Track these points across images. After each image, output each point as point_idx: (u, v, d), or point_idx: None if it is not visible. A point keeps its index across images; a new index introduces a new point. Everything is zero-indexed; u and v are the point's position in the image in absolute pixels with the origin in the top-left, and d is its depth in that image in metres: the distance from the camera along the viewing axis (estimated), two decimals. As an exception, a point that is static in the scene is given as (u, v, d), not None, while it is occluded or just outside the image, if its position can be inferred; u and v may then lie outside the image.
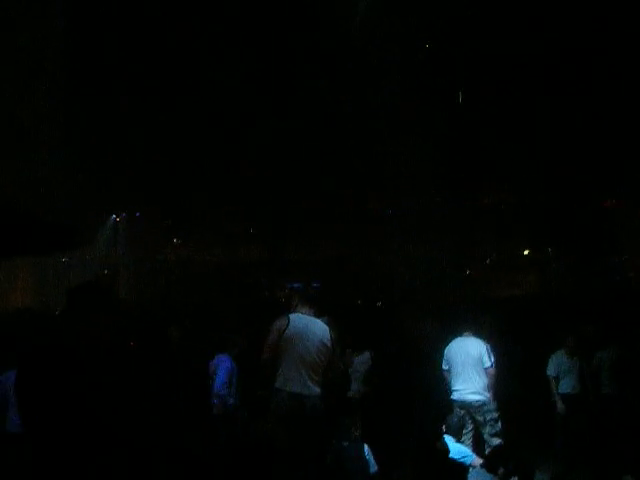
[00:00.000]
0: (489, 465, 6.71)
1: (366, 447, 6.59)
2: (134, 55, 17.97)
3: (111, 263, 24.05)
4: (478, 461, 6.74)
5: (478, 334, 8.21)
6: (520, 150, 22.54)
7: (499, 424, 7.83)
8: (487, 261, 30.49)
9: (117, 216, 24.84)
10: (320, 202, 25.02)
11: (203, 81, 19.17)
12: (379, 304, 18.03)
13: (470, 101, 21.37)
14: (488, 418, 7.77)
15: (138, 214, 24.59)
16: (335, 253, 28.43)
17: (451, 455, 6.49)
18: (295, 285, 29.01)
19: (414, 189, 26.03)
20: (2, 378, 5.97)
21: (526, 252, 30.10)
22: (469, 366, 7.92)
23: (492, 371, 7.84)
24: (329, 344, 6.32)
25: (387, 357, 8.44)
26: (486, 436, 7.85)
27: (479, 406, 7.85)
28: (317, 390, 6.16)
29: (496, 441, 7.70)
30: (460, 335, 8.26)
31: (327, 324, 6.51)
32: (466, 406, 7.93)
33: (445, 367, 8.17)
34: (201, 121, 20.10)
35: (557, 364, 9.06)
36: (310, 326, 6.33)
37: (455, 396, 8.00)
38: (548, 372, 9.09)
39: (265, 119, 20.45)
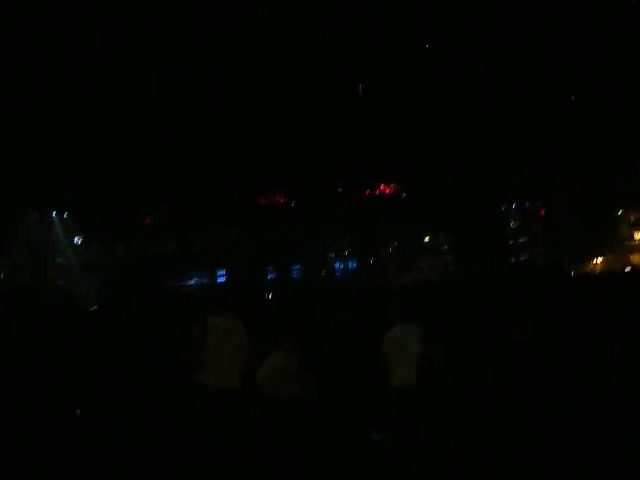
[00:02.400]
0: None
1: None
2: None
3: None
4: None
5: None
6: (419, 136, 22.99)
7: None
8: (389, 249, 31.00)
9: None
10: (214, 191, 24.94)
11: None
12: (286, 296, 18.01)
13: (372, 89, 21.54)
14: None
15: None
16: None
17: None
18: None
19: (314, 179, 26.28)
20: None
21: (426, 239, 30.78)
22: (412, 353, 7.85)
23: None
24: (244, 339, 6.46)
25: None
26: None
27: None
28: (236, 385, 6.29)
29: None
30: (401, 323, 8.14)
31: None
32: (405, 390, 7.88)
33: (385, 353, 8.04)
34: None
35: None
36: (227, 325, 6.46)
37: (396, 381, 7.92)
38: None
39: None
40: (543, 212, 28.27)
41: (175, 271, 28.06)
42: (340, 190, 28.28)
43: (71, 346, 7.98)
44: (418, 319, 8.16)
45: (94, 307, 18.26)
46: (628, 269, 22.58)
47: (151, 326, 9.00)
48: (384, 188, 28.82)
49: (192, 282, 28.55)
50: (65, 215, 24.67)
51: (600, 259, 26.59)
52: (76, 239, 25.57)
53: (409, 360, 7.66)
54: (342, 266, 31.70)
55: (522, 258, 28.46)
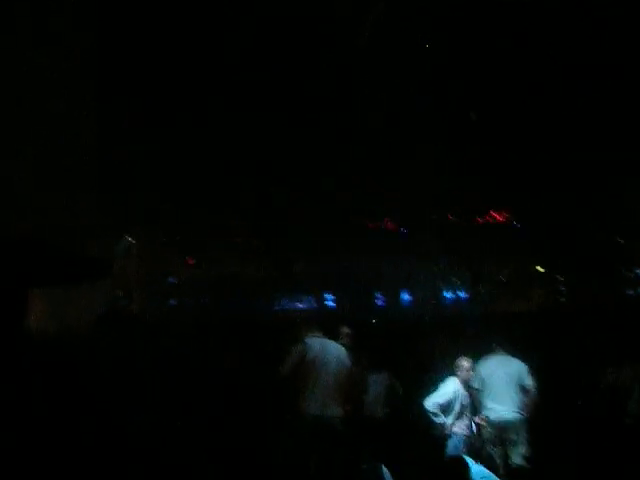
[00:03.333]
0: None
1: (385, 469, 6.59)
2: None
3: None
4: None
5: (511, 352, 8.04)
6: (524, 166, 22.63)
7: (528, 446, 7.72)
8: (500, 277, 30.44)
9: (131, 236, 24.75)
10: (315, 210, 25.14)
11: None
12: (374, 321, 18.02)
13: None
14: (523, 437, 7.63)
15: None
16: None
17: (472, 476, 6.48)
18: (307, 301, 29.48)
19: (419, 204, 26.20)
20: None
21: (538, 267, 30.05)
22: (507, 384, 7.75)
23: (533, 391, 7.64)
24: (347, 364, 6.42)
25: (403, 377, 8.42)
26: (515, 457, 7.72)
27: (517, 424, 7.67)
28: (338, 411, 6.23)
29: (522, 462, 7.66)
30: (493, 353, 8.08)
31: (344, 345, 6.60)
32: (502, 425, 7.74)
33: (477, 386, 7.99)
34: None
35: None
36: (329, 350, 6.43)
37: (491, 415, 7.80)
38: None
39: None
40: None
41: (280, 295, 28.53)
42: (451, 217, 28.09)
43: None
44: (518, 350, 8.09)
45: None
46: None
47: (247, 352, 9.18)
48: (495, 215, 28.43)
49: (299, 306, 28.96)
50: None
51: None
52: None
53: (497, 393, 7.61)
54: (453, 295, 31.40)
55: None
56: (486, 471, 6.86)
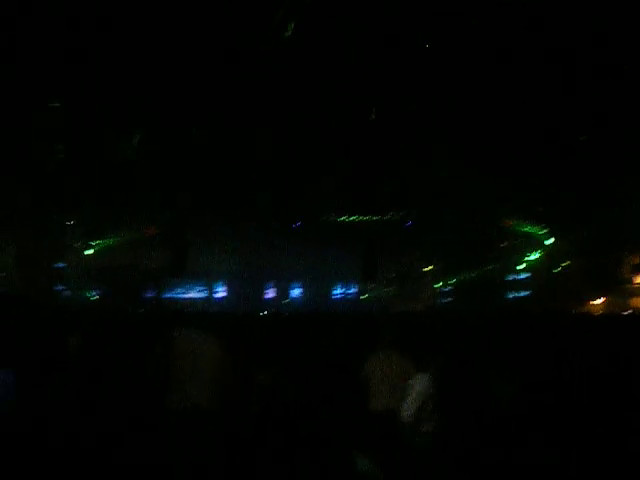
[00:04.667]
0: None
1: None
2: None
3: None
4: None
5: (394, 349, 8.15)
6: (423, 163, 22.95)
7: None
8: (392, 275, 30.97)
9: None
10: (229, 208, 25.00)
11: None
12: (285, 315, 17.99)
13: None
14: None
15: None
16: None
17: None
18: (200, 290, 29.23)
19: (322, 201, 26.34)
20: None
21: (428, 268, 30.76)
22: (393, 380, 7.88)
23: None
24: (215, 356, 6.32)
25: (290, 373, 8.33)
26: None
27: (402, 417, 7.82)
28: (205, 406, 6.13)
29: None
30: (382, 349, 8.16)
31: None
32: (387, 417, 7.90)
33: (365, 379, 8.10)
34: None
35: None
36: (194, 341, 6.32)
37: (377, 407, 7.93)
38: None
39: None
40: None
41: (173, 283, 28.21)
42: (343, 213, 28.31)
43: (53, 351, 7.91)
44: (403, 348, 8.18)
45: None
46: (629, 312, 22.43)
47: (129, 339, 8.90)
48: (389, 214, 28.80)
49: (190, 295, 28.70)
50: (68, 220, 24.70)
51: (601, 300, 26.47)
52: (77, 244, 25.64)
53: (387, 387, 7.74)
54: (341, 290, 31.76)
55: (522, 294, 28.41)
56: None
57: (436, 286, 31.03)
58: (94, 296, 26.16)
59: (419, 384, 7.20)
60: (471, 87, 18.53)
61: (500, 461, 6.99)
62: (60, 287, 24.72)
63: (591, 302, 26.27)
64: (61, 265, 24.74)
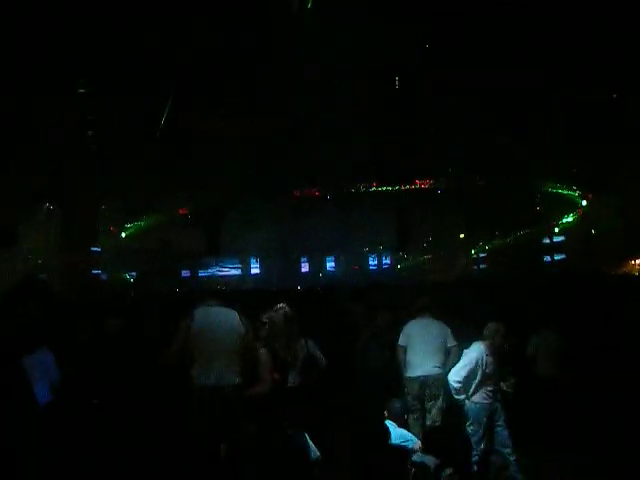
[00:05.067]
0: (427, 444, 6.71)
1: (306, 435, 6.54)
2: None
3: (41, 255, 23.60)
4: (420, 445, 6.74)
5: (436, 317, 8.24)
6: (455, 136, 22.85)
7: (444, 403, 7.90)
8: (424, 245, 30.88)
9: (50, 204, 24.16)
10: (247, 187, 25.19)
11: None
12: (318, 289, 17.99)
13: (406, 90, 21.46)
14: (442, 392, 7.81)
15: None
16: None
17: (393, 439, 6.48)
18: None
19: (349, 173, 26.34)
20: None
21: (461, 235, 30.56)
22: (432, 344, 7.98)
23: (455, 350, 7.87)
24: (241, 331, 6.28)
25: (326, 343, 8.34)
26: (434, 411, 7.90)
27: (437, 379, 7.86)
28: (235, 380, 6.12)
29: (438, 417, 7.82)
30: (420, 315, 8.25)
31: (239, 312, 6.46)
32: (426, 379, 7.92)
33: (403, 344, 8.14)
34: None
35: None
36: (218, 316, 6.30)
37: (417, 371, 7.98)
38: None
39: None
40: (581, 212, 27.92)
41: (208, 262, 28.47)
42: (376, 185, 28.30)
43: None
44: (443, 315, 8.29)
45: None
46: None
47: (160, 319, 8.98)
48: (419, 183, 28.71)
49: (226, 273, 28.92)
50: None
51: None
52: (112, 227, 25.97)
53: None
54: (376, 261, 31.72)
55: (558, 257, 28.17)
56: (407, 434, 6.89)
57: (471, 253, 30.89)
58: (131, 278, 26.49)
59: (472, 352, 7.22)
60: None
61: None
62: (97, 271, 25.04)
63: (630, 262, 25.94)
64: (97, 249, 25.04)
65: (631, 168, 23.19)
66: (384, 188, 27.89)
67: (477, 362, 7.15)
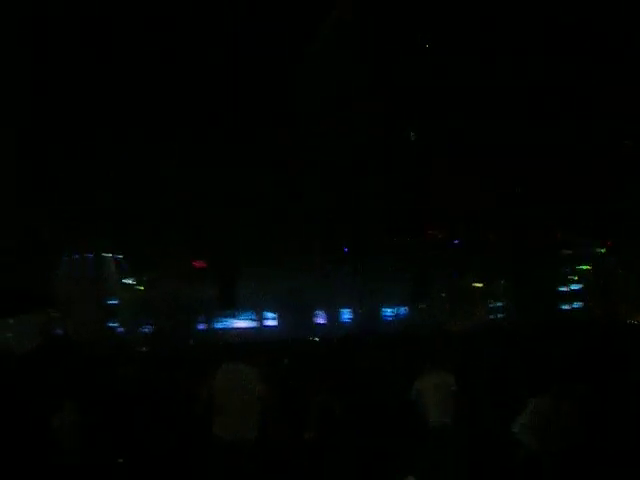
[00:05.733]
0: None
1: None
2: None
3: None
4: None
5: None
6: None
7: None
8: (442, 294, 30.63)
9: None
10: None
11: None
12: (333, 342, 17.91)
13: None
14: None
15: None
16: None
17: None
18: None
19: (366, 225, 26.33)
20: None
21: (479, 285, 30.34)
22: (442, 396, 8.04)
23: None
24: (256, 390, 6.39)
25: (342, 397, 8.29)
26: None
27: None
28: (249, 436, 6.16)
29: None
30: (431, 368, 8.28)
31: None
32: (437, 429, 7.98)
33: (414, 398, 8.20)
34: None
35: None
36: (236, 375, 6.37)
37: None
38: None
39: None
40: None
41: (222, 314, 28.36)
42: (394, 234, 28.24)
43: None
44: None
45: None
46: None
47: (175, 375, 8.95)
48: (436, 233, 28.63)
49: (240, 325, 28.76)
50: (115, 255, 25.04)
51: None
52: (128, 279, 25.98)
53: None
54: (394, 311, 31.48)
55: (575, 305, 27.87)
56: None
57: (488, 303, 30.60)
58: (146, 330, 26.42)
59: (536, 406, 7.07)
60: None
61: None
62: (113, 323, 25.01)
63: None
64: (114, 301, 25.05)
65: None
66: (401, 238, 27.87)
67: None
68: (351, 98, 20.43)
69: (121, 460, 6.91)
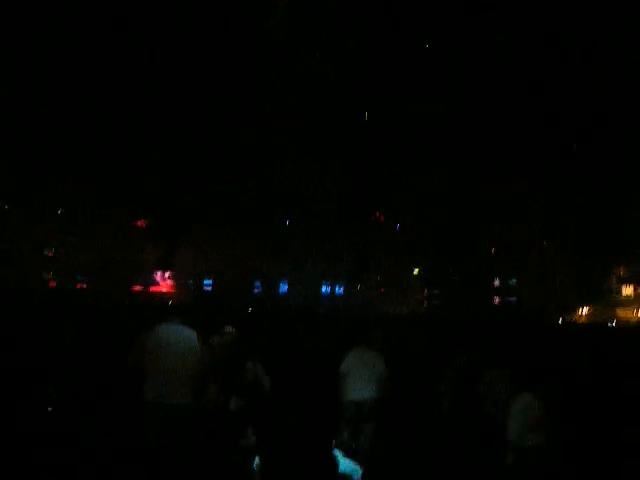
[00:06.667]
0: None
1: (257, 459, 6.46)
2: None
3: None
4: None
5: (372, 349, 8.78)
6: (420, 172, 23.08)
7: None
8: (377, 277, 30.97)
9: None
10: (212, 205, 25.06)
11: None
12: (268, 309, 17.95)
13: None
14: (373, 413, 8.43)
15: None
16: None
17: (341, 469, 6.42)
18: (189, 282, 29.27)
19: (314, 203, 26.37)
20: None
21: (415, 271, 30.79)
22: (366, 372, 8.57)
23: (384, 375, 8.54)
24: (196, 351, 6.22)
25: (275, 369, 8.37)
26: (367, 433, 8.35)
27: (371, 402, 8.48)
28: (185, 399, 6.05)
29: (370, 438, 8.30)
30: (358, 346, 8.75)
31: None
32: (361, 402, 8.48)
33: (344, 371, 8.66)
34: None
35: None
36: (175, 335, 6.22)
37: (353, 395, 8.55)
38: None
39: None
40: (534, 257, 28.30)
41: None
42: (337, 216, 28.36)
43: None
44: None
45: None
46: (612, 323, 22.56)
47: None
48: (379, 216, 28.86)
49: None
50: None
51: (586, 310, 26.60)
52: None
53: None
54: (329, 289, 31.79)
55: (510, 300, 28.54)
56: (353, 464, 6.83)
57: (423, 290, 31.11)
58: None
59: (520, 403, 7.20)
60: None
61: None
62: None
63: (577, 312, 26.40)
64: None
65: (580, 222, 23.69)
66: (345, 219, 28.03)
67: None
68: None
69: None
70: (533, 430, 6.97)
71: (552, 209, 24.37)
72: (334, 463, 6.41)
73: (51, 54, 18.38)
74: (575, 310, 26.34)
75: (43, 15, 17.23)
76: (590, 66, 18.68)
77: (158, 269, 28.17)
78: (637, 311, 25.88)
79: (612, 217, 23.46)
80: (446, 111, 20.05)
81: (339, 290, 31.62)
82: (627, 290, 26.67)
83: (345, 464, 6.69)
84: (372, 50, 19.04)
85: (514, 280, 28.81)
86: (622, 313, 25.62)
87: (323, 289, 31.67)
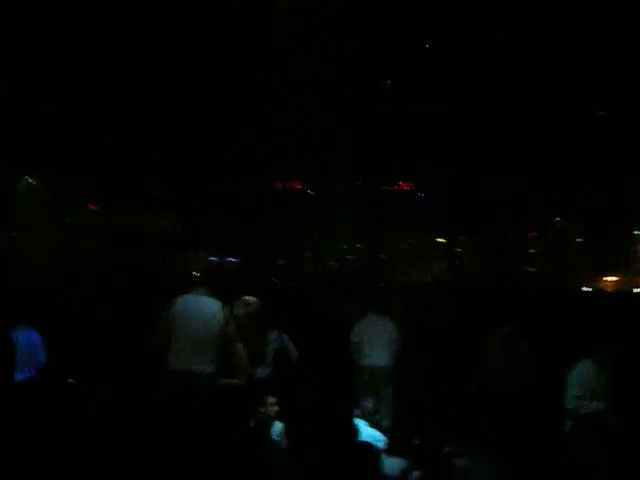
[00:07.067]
0: (392, 445, 6.78)
1: (279, 426, 6.56)
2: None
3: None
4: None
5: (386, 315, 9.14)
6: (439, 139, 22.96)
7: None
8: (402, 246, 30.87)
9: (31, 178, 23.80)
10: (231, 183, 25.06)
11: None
12: (293, 283, 18.02)
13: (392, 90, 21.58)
14: (389, 380, 8.72)
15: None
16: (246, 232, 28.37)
17: (364, 438, 6.50)
18: (211, 259, 29.31)
19: (329, 173, 26.33)
20: None
21: (440, 240, 30.64)
22: (379, 338, 8.92)
23: (398, 342, 8.89)
24: (220, 322, 6.27)
25: (303, 338, 8.53)
26: (385, 400, 8.65)
27: (386, 369, 8.81)
28: (208, 369, 6.12)
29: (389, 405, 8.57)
30: (371, 313, 9.10)
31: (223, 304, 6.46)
32: (375, 368, 8.89)
33: (356, 339, 9.01)
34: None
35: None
36: (198, 305, 6.30)
37: (367, 361, 8.93)
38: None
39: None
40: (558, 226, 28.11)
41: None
42: (357, 184, 28.29)
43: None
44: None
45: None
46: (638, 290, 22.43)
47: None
48: (402, 185, 28.74)
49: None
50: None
51: (611, 278, 26.39)
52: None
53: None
54: (352, 259, 31.75)
55: (532, 269, 28.35)
56: (377, 434, 6.92)
57: (447, 260, 30.96)
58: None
59: (578, 370, 7.20)
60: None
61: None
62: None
63: (602, 280, 26.18)
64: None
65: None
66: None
67: None
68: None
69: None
70: (592, 397, 6.95)
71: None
72: (354, 430, 6.50)
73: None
74: (598, 279, 26.11)
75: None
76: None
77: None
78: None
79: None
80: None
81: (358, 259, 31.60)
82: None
83: (369, 433, 6.78)
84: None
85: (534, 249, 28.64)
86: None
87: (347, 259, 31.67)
